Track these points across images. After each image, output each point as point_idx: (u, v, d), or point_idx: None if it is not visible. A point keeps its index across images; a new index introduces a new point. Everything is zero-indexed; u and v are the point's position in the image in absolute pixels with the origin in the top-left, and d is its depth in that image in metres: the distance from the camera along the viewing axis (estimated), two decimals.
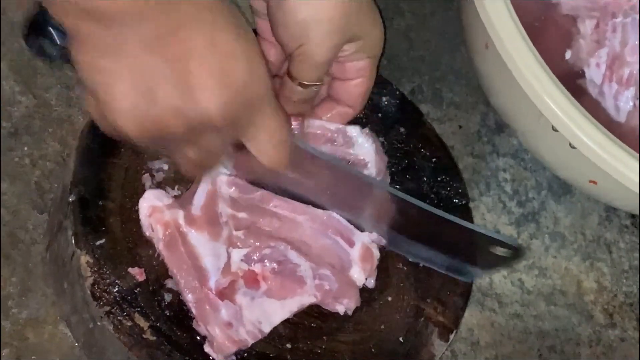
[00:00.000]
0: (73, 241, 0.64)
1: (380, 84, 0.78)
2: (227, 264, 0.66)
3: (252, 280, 0.66)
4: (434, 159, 0.77)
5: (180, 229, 0.66)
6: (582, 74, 0.85)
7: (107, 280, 0.64)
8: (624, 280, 0.86)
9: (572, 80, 0.84)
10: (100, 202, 0.66)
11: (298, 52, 0.65)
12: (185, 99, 0.51)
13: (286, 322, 0.66)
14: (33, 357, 0.69)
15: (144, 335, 0.63)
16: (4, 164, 0.74)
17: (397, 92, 0.79)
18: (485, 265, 0.71)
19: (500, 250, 0.67)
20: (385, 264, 0.71)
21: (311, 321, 0.68)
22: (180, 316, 0.64)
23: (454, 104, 0.89)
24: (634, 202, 0.76)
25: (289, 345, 0.66)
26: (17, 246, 0.72)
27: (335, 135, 0.71)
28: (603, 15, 0.85)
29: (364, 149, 0.72)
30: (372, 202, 0.69)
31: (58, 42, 0.55)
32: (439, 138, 0.79)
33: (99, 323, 0.63)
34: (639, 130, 0.86)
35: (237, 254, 0.66)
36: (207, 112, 0.52)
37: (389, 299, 0.70)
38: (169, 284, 0.65)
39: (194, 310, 0.64)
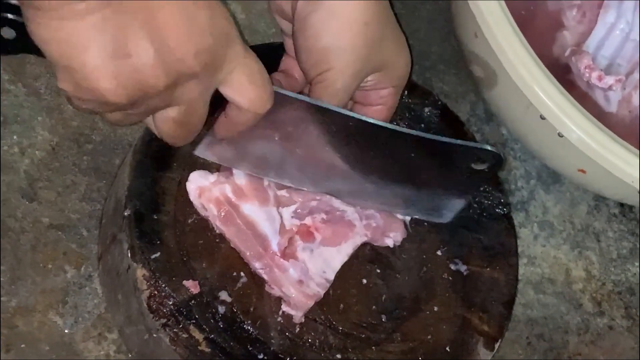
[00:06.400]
0: (129, 255, 0.65)
1: (422, 94, 0.78)
2: (282, 224, 0.68)
3: (306, 234, 0.69)
4: None
5: (232, 202, 0.67)
6: (570, 67, 0.85)
7: (163, 293, 0.64)
8: (612, 269, 0.87)
9: (561, 73, 0.85)
10: (155, 216, 0.67)
11: (320, 78, 0.64)
12: (159, 49, 0.50)
13: (336, 333, 0.68)
14: (22, 345, 0.69)
15: (199, 347, 0.63)
16: None
17: (439, 103, 0.79)
18: (463, 188, 0.70)
19: (479, 165, 0.66)
20: (431, 274, 0.72)
21: (361, 332, 0.68)
22: (234, 327, 0.65)
23: (443, 94, 0.89)
24: (622, 191, 0.76)
25: (339, 356, 0.67)
26: (7, 234, 0.71)
27: None
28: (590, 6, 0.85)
29: None
30: (337, 140, 0.66)
31: (16, 25, 0.53)
32: None
33: (154, 335, 0.64)
34: (628, 119, 0.86)
35: (286, 212, 0.69)
36: (183, 57, 0.51)
37: (435, 309, 0.71)
38: (223, 295, 0.66)
39: (265, 277, 0.67)
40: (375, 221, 0.71)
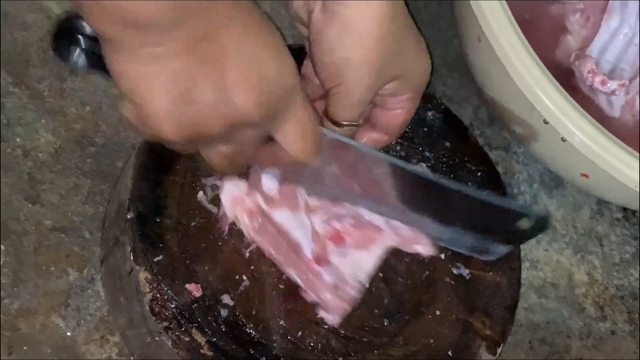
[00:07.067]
0: (131, 257, 0.65)
1: (425, 98, 0.78)
2: (314, 230, 0.69)
3: (337, 238, 0.69)
4: (478, 173, 0.78)
5: (264, 212, 0.68)
6: (574, 71, 0.85)
7: (165, 296, 0.64)
8: (615, 273, 0.86)
9: (564, 77, 0.84)
10: (158, 219, 0.67)
11: (334, 90, 0.64)
12: (222, 98, 0.52)
13: (338, 336, 0.68)
14: (25, 348, 0.69)
15: (201, 351, 0.63)
16: None
17: (442, 106, 0.79)
18: (510, 239, 0.71)
19: (525, 223, 0.67)
20: (433, 277, 0.72)
21: (363, 335, 0.68)
22: (236, 331, 0.65)
23: (446, 97, 0.89)
24: (625, 195, 0.76)
25: (341, 359, 0.67)
26: (9, 237, 0.71)
27: None
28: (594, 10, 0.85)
29: None
30: (394, 184, 0.68)
31: (87, 51, 0.55)
32: (483, 152, 0.79)
33: (157, 338, 0.64)
34: (631, 124, 0.86)
35: (315, 218, 0.69)
36: (244, 108, 0.53)
37: (438, 313, 0.71)
38: (225, 299, 0.66)
39: (301, 283, 0.67)
40: (403, 231, 0.71)
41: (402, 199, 0.69)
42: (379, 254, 0.70)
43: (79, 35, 0.55)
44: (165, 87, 0.51)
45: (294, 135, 0.58)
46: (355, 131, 0.68)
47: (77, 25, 0.55)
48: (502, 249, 0.72)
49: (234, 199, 0.67)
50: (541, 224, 0.67)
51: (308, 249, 0.68)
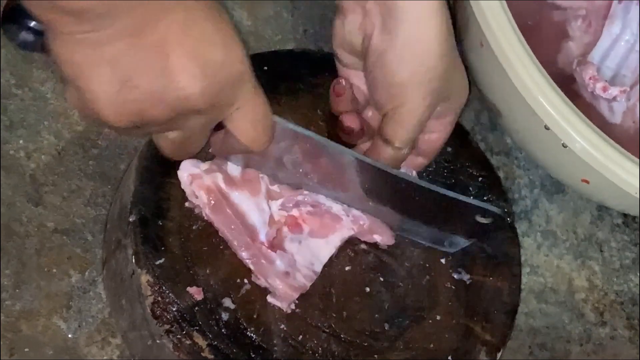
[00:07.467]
0: (133, 260, 0.65)
1: None
2: (271, 216, 0.69)
3: (294, 225, 0.69)
4: (480, 178, 0.78)
5: (222, 191, 0.67)
6: (575, 77, 0.85)
7: (167, 300, 0.64)
8: (615, 279, 0.87)
9: (566, 83, 0.85)
10: (160, 222, 0.67)
11: (394, 112, 0.65)
12: (164, 84, 0.52)
13: (339, 341, 0.68)
14: (26, 349, 0.69)
15: (202, 354, 0.63)
16: None
17: None
18: (468, 234, 0.71)
19: (483, 219, 0.68)
20: (434, 283, 0.72)
21: (363, 340, 0.68)
22: (237, 334, 0.65)
23: None
24: (625, 201, 0.76)
25: None
26: (12, 238, 0.72)
27: None
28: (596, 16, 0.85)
29: None
30: (356, 176, 0.69)
31: (35, 31, 0.54)
32: (485, 157, 0.80)
33: (158, 341, 0.64)
34: (632, 130, 0.86)
35: (274, 204, 0.69)
36: (187, 95, 0.53)
37: (438, 317, 0.71)
38: (226, 302, 0.66)
39: (251, 267, 0.67)
40: (362, 220, 0.71)
41: (363, 188, 0.69)
42: (336, 243, 0.70)
43: (27, 15, 0.54)
44: (105, 73, 0.51)
45: (245, 123, 0.58)
46: (408, 154, 0.69)
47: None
48: (462, 242, 0.72)
49: (192, 175, 0.67)
50: (500, 222, 0.68)
51: (263, 233, 0.68)
